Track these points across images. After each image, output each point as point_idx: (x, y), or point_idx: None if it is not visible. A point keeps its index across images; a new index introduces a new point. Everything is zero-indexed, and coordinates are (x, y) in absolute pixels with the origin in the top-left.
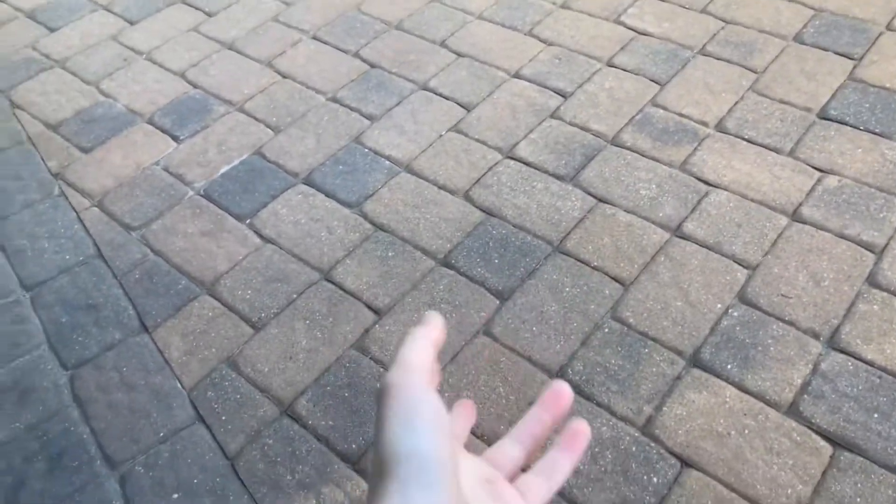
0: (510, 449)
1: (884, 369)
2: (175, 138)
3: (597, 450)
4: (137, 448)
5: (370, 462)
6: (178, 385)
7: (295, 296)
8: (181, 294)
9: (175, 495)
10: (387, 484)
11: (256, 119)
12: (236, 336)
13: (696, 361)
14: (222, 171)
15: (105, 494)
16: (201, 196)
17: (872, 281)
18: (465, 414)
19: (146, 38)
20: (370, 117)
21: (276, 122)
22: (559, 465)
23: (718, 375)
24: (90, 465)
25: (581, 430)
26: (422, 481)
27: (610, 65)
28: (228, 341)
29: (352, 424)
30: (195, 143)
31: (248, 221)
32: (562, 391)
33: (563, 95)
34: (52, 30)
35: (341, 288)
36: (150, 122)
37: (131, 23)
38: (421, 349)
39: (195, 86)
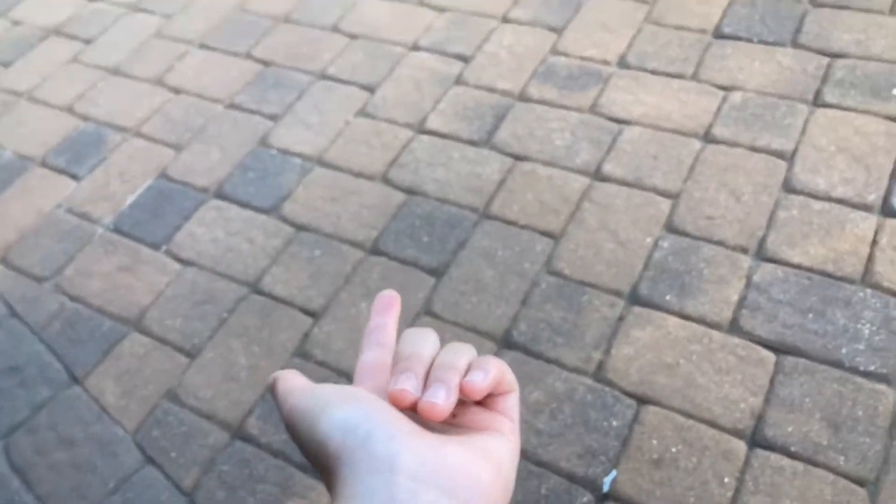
0: (377, 359)
1: (811, 270)
2: (74, 177)
3: (554, 406)
4: None
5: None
6: (121, 430)
7: (226, 314)
8: (107, 336)
9: None
10: (339, 473)
11: (155, 141)
12: (172, 368)
13: (635, 299)
14: (129, 201)
15: None
16: (111, 231)
17: (788, 187)
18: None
19: (23, 78)
20: (272, 117)
21: (177, 140)
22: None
23: (659, 308)
24: None
25: (387, 296)
26: (370, 450)
27: (505, 20)
28: (165, 374)
29: None
30: (96, 177)
31: (164, 248)
32: (388, 296)
33: (464, 60)
34: None
35: (272, 297)
36: (44, 164)
37: (5, 65)
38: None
39: (85, 118)
